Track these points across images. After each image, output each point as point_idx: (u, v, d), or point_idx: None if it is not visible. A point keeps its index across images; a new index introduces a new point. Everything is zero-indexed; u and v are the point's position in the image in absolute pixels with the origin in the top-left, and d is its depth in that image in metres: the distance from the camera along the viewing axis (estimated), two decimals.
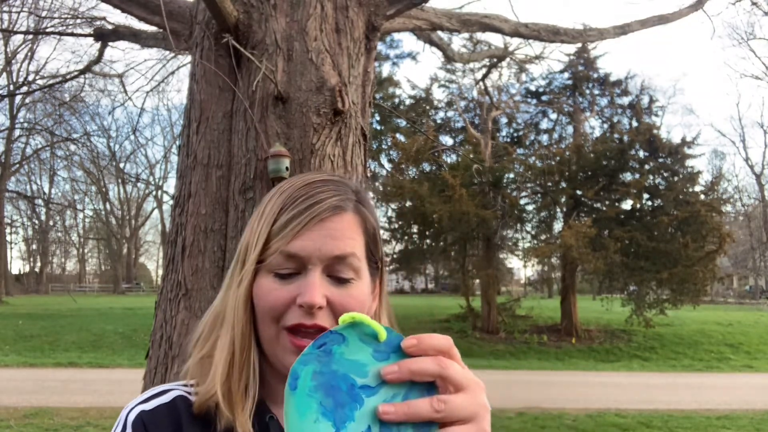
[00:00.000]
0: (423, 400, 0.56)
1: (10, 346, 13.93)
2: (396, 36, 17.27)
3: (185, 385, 0.81)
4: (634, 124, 18.58)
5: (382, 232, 0.89)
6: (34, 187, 37.99)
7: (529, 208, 19.51)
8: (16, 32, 18.57)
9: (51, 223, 44.27)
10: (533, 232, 20.16)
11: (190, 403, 0.77)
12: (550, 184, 17.61)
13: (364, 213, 0.80)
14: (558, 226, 18.97)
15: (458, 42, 18.20)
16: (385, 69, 18.89)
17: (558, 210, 18.85)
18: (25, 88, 23.93)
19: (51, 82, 16.22)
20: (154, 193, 44.21)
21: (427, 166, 17.46)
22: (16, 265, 53.40)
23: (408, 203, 16.97)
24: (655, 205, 16.83)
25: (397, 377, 0.57)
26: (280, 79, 2.84)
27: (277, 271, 0.75)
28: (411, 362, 0.57)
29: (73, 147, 27.85)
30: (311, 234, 0.74)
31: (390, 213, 18.74)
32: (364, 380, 0.58)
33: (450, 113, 21.36)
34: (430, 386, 0.59)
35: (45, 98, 22.21)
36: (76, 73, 8.43)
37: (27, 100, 26.53)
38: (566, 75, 21.12)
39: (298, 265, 0.74)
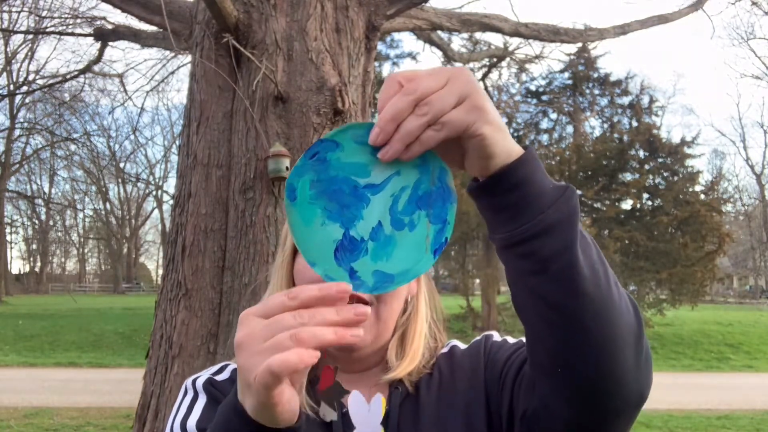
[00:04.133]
0: (411, 117, 0.53)
1: (10, 346, 13.91)
2: (396, 36, 17.26)
3: None
4: (634, 124, 18.58)
5: None
6: (34, 187, 38.10)
7: None
8: (16, 32, 18.57)
9: (51, 223, 44.32)
10: None
11: None
12: None
13: None
14: None
15: (458, 42, 18.17)
16: (385, 69, 18.88)
17: None
18: (25, 88, 23.93)
19: (51, 82, 16.21)
20: (154, 193, 44.19)
21: None
22: (16, 265, 53.43)
23: None
24: (655, 205, 16.83)
25: (387, 147, 0.54)
26: (280, 79, 2.84)
27: None
28: (384, 115, 0.53)
29: (73, 147, 27.92)
30: None
31: None
32: (367, 179, 0.58)
33: None
34: (441, 169, 0.57)
35: (45, 98, 22.21)
36: (76, 72, 8.43)
37: (27, 100, 26.54)
38: (566, 75, 21.11)
39: None
